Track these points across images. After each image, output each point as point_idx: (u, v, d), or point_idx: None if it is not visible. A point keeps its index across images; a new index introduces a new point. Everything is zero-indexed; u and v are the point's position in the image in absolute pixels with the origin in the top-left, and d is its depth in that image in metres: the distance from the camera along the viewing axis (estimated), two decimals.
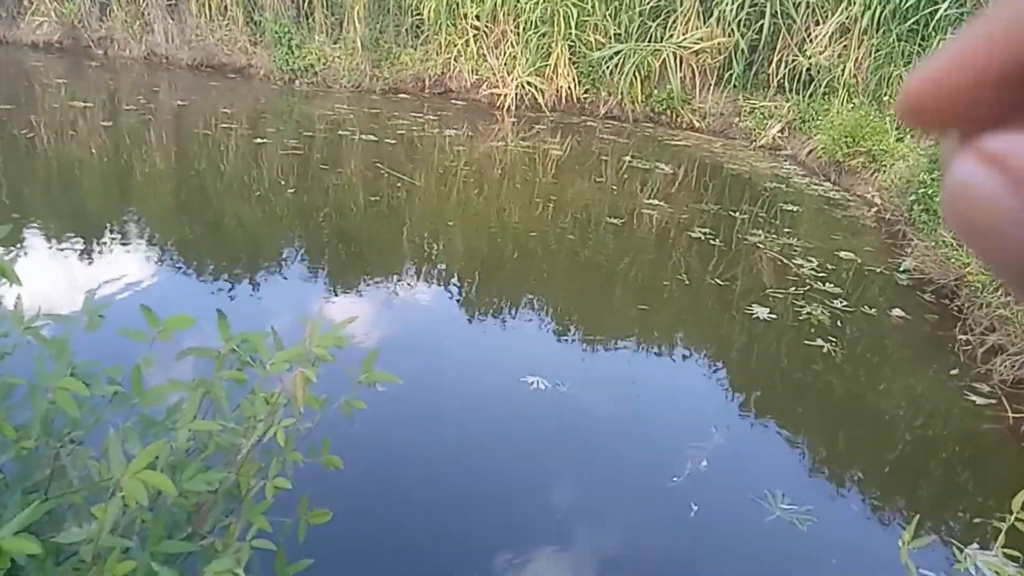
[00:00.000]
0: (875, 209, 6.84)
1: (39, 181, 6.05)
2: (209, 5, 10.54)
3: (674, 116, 10.15)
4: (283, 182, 6.37)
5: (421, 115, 9.51)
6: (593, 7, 9.85)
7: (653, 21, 9.81)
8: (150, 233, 5.03)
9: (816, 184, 7.76)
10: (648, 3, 9.70)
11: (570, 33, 9.84)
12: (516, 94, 10.15)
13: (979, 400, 3.68)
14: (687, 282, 4.87)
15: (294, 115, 9.30)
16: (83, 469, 1.07)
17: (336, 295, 4.32)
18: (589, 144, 9.00)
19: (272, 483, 1.17)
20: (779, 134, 9.29)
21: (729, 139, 9.71)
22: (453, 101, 10.53)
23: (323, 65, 10.55)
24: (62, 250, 4.55)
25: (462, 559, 2.43)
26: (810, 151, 8.52)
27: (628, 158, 8.24)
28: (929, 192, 5.50)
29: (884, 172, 6.99)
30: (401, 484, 2.71)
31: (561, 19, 9.76)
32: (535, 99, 10.17)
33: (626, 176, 7.61)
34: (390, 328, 4.01)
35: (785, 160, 8.78)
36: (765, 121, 9.44)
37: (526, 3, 9.88)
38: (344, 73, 10.48)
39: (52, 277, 4.21)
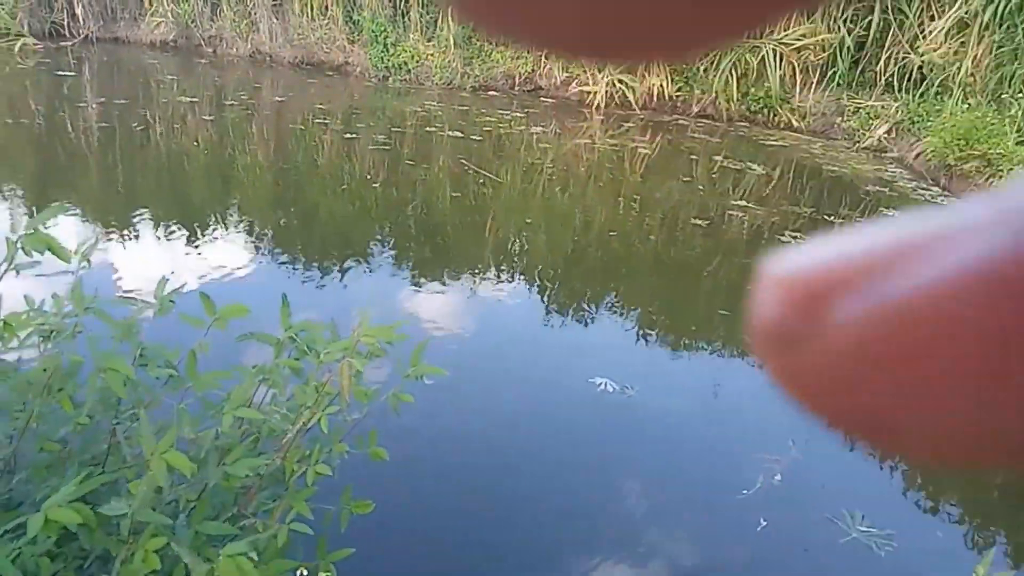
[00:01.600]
0: None
1: (150, 170, 6.45)
2: (311, 5, 10.95)
3: (771, 115, 9.77)
4: (370, 176, 6.54)
5: (509, 112, 9.55)
6: None
7: None
8: (247, 222, 5.27)
9: (923, 189, 7.29)
10: None
11: None
12: (606, 92, 10.04)
13: None
14: None
15: (387, 111, 9.54)
16: (136, 447, 1.12)
17: (417, 287, 4.39)
18: (680, 143, 8.80)
19: (314, 469, 1.19)
20: (885, 135, 8.78)
21: (830, 140, 9.27)
22: (543, 99, 10.53)
23: (416, 63, 10.76)
24: (168, 236, 4.83)
25: (521, 562, 2.42)
26: (918, 154, 8.01)
27: (719, 158, 8.00)
28: None
29: (1001, 177, 6.48)
30: (453, 483, 2.72)
31: None
32: (625, 97, 10.03)
33: (716, 176, 7.39)
34: (463, 322, 4.04)
35: (891, 163, 8.30)
36: (870, 121, 8.95)
37: None
38: (436, 71, 10.66)
39: (156, 262, 4.47)
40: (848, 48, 9.05)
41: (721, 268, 5.13)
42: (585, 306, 4.39)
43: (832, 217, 6.19)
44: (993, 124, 6.86)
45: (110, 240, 4.63)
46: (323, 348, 1.20)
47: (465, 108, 9.61)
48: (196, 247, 4.68)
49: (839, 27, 8.97)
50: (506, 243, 5.36)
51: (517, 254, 5.15)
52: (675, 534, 2.60)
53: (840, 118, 9.29)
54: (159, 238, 4.80)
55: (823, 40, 9.15)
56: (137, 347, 1.34)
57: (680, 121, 9.87)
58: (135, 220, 5.02)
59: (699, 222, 5.82)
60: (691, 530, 2.64)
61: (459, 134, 8.20)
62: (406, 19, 10.91)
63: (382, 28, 10.71)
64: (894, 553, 2.51)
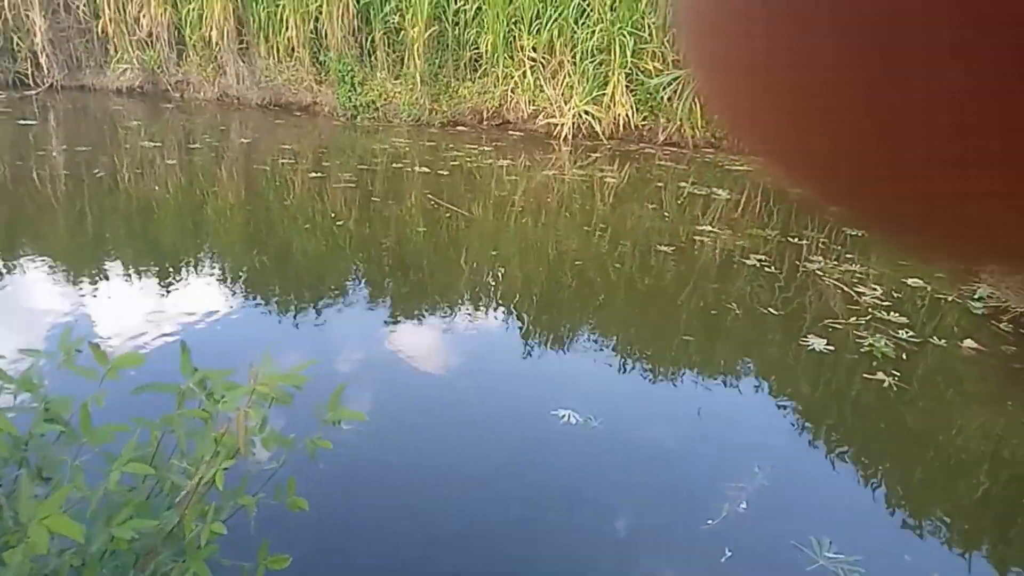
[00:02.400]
0: None
1: (119, 216, 6.36)
2: (278, 47, 11.00)
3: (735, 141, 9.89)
4: (335, 215, 6.50)
5: (478, 146, 9.60)
6: (650, 34, 9.78)
7: None
8: (219, 264, 5.19)
9: None
10: None
11: (627, 61, 9.78)
12: (573, 123, 10.14)
13: None
14: (737, 312, 4.66)
15: (356, 150, 9.54)
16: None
17: (393, 323, 4.32)
18: (647, 171, 8.86)
19: (209, 527, 1.12)
20: None
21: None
22: (510, 132, 10.60)
23: (384, 101, 10.82)
24: (140, 282, 4.74)
25: None
26: None
27: (685, 184, 8.06)
28: None
29: None
30: (394, 520, 2.63)
31: (617, 47, 9.72)
32: (592, 128, 10.12)
33: (681, 202, 7.43)
34: (439, 357, 3.97)
35: None
36: None
37: (582, 33, 9.90)
38: (404, 108, 10.72)
39: (129, 309, 4.37)
40: None
41: (681, 294, 5.11)
42: (556, 336, 4.34)
43: (797, 239, 6.23)
44: None
45: (80, 290, 4.54)
46: (222, 396, 1.14)
47: (434, 144, 9.65)
48: (168, 292, 4.59)
49: None
50: (480, 276, 5.32)
51: (490, 286, 5.11)
52: (639, 567, 2.52)
53: None
54: (130, 284, 4.71)
55: None
56: (41, 401, 1.28)
57: (647, 150, 9.97)
58: (105, 267, 4.93)
59: (664, 248, 5.83)
60: (655, 563, 2.56)
61: (427, 169, 8.21)
62: (373, 58, 10.99)
63: (349, 68, 10.78)
64: None
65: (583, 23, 9.94)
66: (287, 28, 10.74)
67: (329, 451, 1.40)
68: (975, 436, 3.53)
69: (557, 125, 10.23)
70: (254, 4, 10.77)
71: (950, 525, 2.90)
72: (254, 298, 4.60)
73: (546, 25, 10.11)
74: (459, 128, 10.70)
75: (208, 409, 1.21)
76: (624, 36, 9.65)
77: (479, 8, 10.40)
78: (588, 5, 9.92)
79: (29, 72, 11.31)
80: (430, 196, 7.08)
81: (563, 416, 3.29)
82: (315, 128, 10.57)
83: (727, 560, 2.51)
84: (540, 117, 10.43)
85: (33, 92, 11.23)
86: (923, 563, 2.66)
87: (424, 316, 4.48)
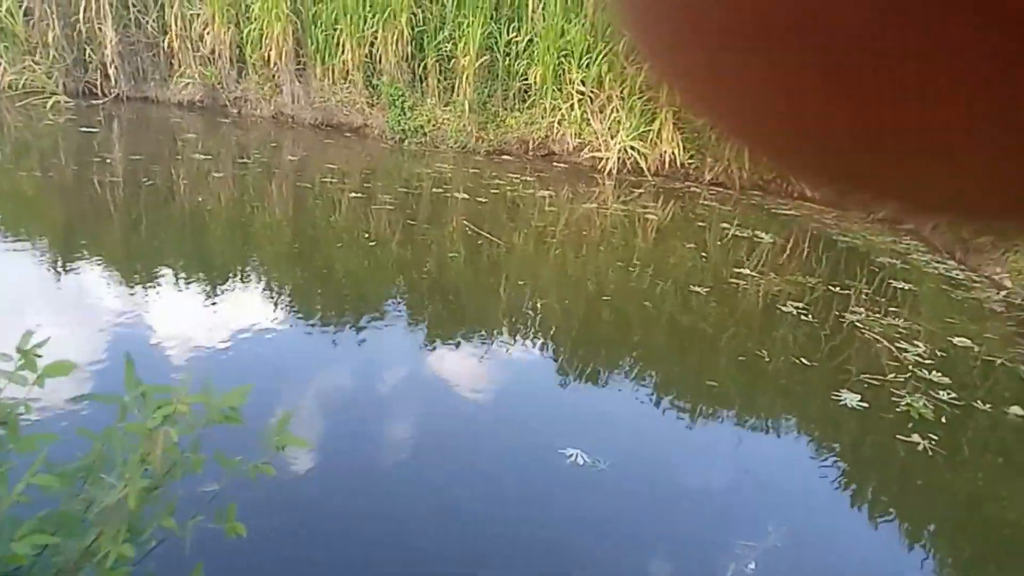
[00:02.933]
0: (1004, 292, 6.11)
1: (172, 225, 6.50)
2: (333, 70, 11.24)
3: (784, 184, 9.68)
4: (368, 235, 6.52)
5: (521, 176, 9.59)
6: None
7: None
8: (264, 279, 5.24)
9: (938, 262, 7.07)
10: None
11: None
12: (618, 158, 10.06)
13: None
14: (766, 359, 4.46)
15: (402, 173, 9.63)
16: None
17: (430, 347, 4.27)
18: (691, 210, 8.71)
19: (117, 549, 1.05)
20: None
21: (845, 210, 9.11)
22: (555, 164, 10.58)
23: (432, 126, 10.93)
24: (187, 291, 4.81)
25: None
26: (935, 226, 7.81)
27: (730, 226, 7.88)
28: None
29: (1018, 251, 6.26)
30: (395, 561, 2.53)
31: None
32: (637, 163, 10.03)
33: (720, 244, 7.26)
34: (472, 382, 3.89)
35: (905, 235, 8.11)
36: None
37: (632, 68, 9.86)
38: (452, 134, 10.80)
39: (177, 317, 4.41)
40: None
41: (709, 338, 4.93)
42: (567, 373, 4.22)
43: (838, 288, 5.99)
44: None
45: (133, 295, 4.62)
46: (151, 413, 1.08)
47: (478, 171, 9.68)
48: (215, 303, 4.64)
49: None
50: (517, 305, 5.25)
51: (526, 316, 5.03)
52: None
53: None
54: (180, 293, 4.78)
55: None
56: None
57: (692, 188, 9.82)
58: (157, 275, 5.01)
59: (697, 290, 5.66)
60: None
61: (467, 196, 8.22)
62: (424, 84, 11.14)
63: (400, 92, 10.94)
64: None
65: (633, 59, 9.90)
66: (343, 51, 10.98)
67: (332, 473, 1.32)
68: (1015, 504, 3.27)
69: (602, 159, 10.16)
70: (313, 27, 11.06)
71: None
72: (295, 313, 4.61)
73: (596, 60, 10.11)
74: (504, 157, 10.72)
75: (149, 425, 1.15)
76: None
77: (530, 40, 10.47)
78: None
79: (98, 82, 11.78)
80: (466, 222, 7.06)
81: (571, 456, 3.16)
82: (364, 149, 10.73)
83: None
84: (585, 150, 10.39)
85: (100, 102, 11.69)
86: None
87: (461, 342, 4.41)
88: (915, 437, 3.65)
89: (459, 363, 4.16)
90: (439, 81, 11.09)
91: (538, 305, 5.28)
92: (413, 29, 10.88)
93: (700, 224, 8.03)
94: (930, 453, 3.54)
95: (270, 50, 11.10)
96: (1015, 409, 4.05)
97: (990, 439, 3.83)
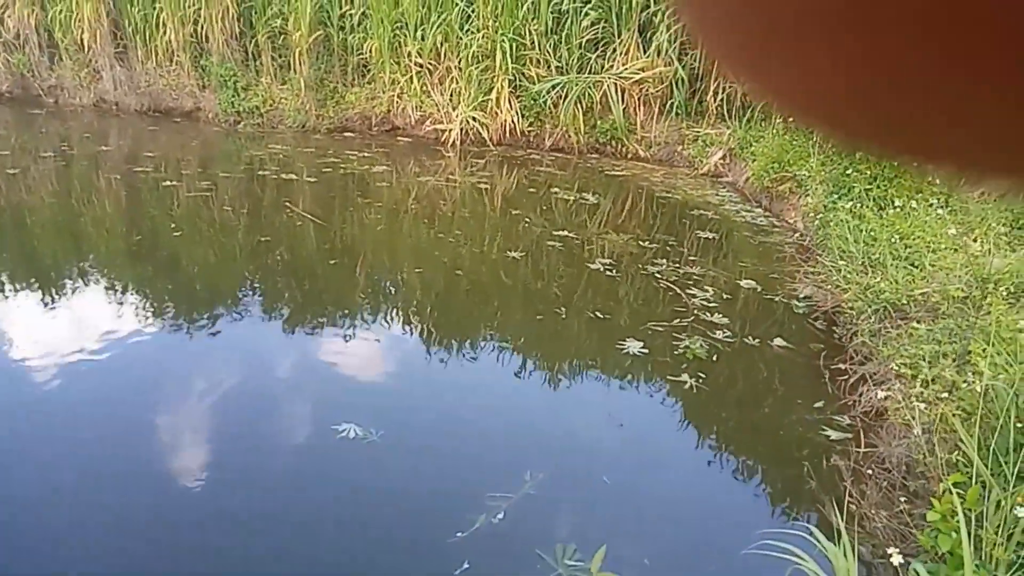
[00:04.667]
0: (797, 235, 6.66)
1: None
2: (157, 51, 10.64)
3: (619, 146, 10.05)
4: (209, 225, 6.30)
5: (365, 153, 9.47)
6: (532, 41, 9.83)
7: (592, 53, 9.76)
8: (104, 277, 4.97)
9: (747, 211, 7.59)
10: (586, 35, 9.67)
11: (509, 67, 9.81)
12: (461, 129, 10.11)
13: (834, 435, 3.46)
14: (563, 315, 4.69)
15: (241, 156, 9.30)
16: None
17: (289, 333, 4.23)
18: (535, 176, 8.89)
19: None
20: (721, 161, 9.15)
21: (674, 167, 9.58)
22: (399, 138, 10.51)
23: (268, 106, 10.59)
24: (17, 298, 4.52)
25: None
26: (747, 178, 8.37)
27: (556, 189, 8.12)
28: (829, 216, 5.32)
29: (808, 197, 6.82)
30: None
31: (500, 53, 9.74)
32: (480, 133, 10.11)
33: (546, 207, 7.48)
34: (355, 366, 3.86)
35: (724, 187, 8.63)
36: (707, 149, 9.32)
37: (466, 39, 9.89)
38: (289, 114, 10.51)
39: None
40: (682, 80, 9.43)
41: (511, 300, 5.13)
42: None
43: (646, 242, 6.33)
44: (800, 147, 7.24)
45: None
46: None
47: (318, 150, 9.48)
48: (51, 308, 4.39)
49: (672, 60, 9.34)
50: (376, 283, 5.28)
51: (387, 294, 5.06)
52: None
53: (681, 146, 9.65)
54: (7, 300, 4.48)
55: (660, 73, 9.51)
56: None
57: (533, 155, 10.02)
58: None
59: (511, 255, 5.84)
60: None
61: (314, 176, 8.06)
62: (257, 63, 10.75)
63: (232, 72, 10.51)
64: None
65: (467, 29, 9.94)
66: (164, 32, 10.40)
67: None
68: (759, 433, 3.63)
69: (445, 131, 10.18)
70: (128, 5, 10.39)
71: (714, 524, 2.96)
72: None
73: (431, 30, 10.06)
74: (347, 134, 10.55)
75: None
76: (507, 41, 9.68)
77: (364, 13, 10.28)
78: (472, 11, 9.92)
79: None
80: (321, 202, 6.93)
81: (344, 431, 3.23)
82: (198, 134, 10.27)
83: (462, 573, 2.49)
84: (428, 123, 10.37)
85: None
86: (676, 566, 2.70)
87: (322, 326, 4.38)
88: (684, 376, 3.96)
89: (343, 347, 4.15)
90: (273, 59, 10.74)
91: (414, 279, 5.29)
92: (239, 5, 10.43)
93: (552, 189, 8.19)
94: (695, 390, 3.85)
95: (82, 32, 10.37)
96: (778, 341, 4.45)
97: (752, 370, 4.20)
